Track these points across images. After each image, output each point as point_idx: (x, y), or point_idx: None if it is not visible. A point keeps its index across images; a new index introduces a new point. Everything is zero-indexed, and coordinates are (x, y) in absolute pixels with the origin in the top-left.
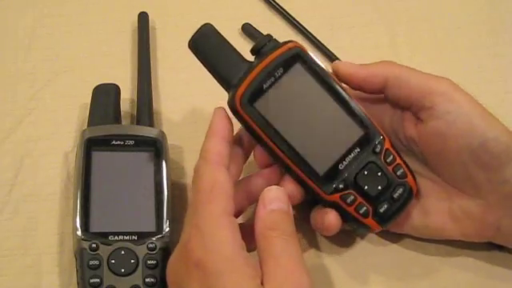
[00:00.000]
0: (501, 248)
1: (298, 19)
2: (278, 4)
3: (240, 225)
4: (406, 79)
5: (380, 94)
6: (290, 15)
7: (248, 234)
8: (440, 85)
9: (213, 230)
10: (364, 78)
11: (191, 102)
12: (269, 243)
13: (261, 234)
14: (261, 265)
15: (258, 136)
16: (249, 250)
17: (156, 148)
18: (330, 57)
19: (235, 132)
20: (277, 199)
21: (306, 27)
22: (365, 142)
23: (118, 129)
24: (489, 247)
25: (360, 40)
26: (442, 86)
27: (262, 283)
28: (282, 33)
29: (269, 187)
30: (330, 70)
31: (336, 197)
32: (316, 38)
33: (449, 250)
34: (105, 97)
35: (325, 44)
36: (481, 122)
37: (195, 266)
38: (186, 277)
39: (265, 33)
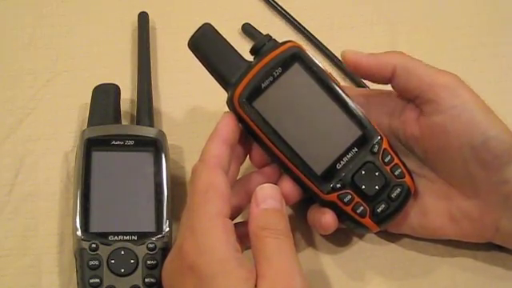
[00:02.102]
0: (500, 248)
1: (298, 19)
2: (277, 4)
3: (238, 223)
4: (414, 70)
5: (387, 83)
6: (290, 15)
7: (246, 232)
8: (447, 79)
9: (206, 232)
10: (372, 67)
11: (191, 102)
12: (261, 243)
13: (253, 233)
14: (255, 265)
15: (256, 135)
16: (248, 248)
17: (156, 148)
18: (330, 57)
19: None
20: (269, 197)
21: (306, 27)
22: (363, 141)
23: (117, 129)
24: (488, 247)
25: (360, 40)
26: (448, 80)
27: (256, 285)
28: (281, 33)
29: (261, 185)
30: (329, 70)
31: (333, 196)
32: (316, 38)
33: (448, 249)
34: (105, 97)
35: (325, 44)
36: (484, 120)
37: (189, 268)
38: (180, 279)
39: (265, 33)
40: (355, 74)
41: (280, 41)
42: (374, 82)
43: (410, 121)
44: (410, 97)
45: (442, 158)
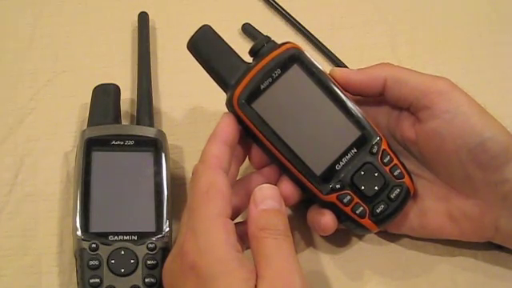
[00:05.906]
0: (500, 247)
1: (297, 19)
2: (278, 4)
3: (239, 223)
4: (404, 80)
5: (378, 96)
6: (290, 15)
7: (247, 232)
8: (438, 84)
9: (207, 232)
10: (363, 83)
11: (191, 102)
12: (260, 244)
13: (252, 234)
14: (255, 266)
15: (256, 136)
16: (248, 248)
17: (156, 148)
18: (330, 57)
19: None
20: (268, 198)
21: (306, 27)
22: (362, 142)
23: (117, 129)
24: (488, 247)
25: (360, 40)
26: (441, 85)
27: (255, 285)
28: (281, 33)
29: (260, 186)
30: (328, 71)
31: (333, 197)
32: (316, 38)
33: (448, 249)
34: (105, 97)
35: (325, 44)
36: (479, 122)
37: (190, 268)
38: (181, 279)
39: (264, 33)
40: (346, 92)
41: (280, 41)
42: (365, 96)
43: (405, 127)
44: (404, 105)
45: (440, 161)
